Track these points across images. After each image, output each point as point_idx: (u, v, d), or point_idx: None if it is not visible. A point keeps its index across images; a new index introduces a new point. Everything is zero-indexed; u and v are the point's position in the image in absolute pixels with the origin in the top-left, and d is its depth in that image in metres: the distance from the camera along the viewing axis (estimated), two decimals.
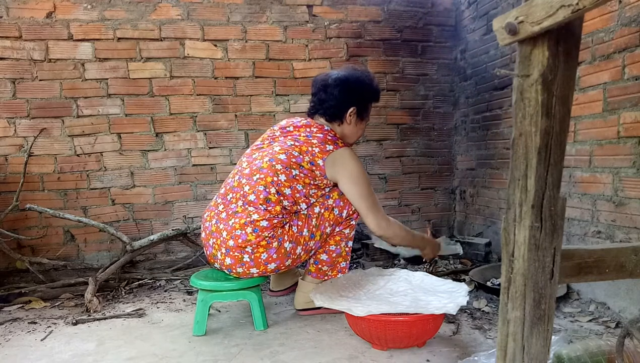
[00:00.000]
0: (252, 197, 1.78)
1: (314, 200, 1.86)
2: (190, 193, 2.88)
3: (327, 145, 1.85)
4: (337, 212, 1.88)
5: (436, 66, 3.15)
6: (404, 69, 3.10)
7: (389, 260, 2.74)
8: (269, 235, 1.74)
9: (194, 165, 2.87)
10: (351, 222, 1.94)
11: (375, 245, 2.66)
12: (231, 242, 1.75)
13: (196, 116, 2.84)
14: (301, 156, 1.82)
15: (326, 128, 1.92)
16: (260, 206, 1.75)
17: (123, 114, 2.75)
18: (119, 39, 2.71)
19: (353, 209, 1.91)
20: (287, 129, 1.95)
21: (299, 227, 1.80)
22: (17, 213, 2.59)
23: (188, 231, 2.59)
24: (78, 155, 2.71)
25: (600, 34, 1.84)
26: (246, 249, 1.74)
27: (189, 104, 2.83)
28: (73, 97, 2.68)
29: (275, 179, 1.77)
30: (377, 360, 1.53)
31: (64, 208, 2.68)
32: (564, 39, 0.78)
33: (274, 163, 1.80)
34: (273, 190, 1.76)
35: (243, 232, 1.73)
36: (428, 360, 1.51)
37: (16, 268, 2.56)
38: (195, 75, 2.82)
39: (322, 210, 1.85)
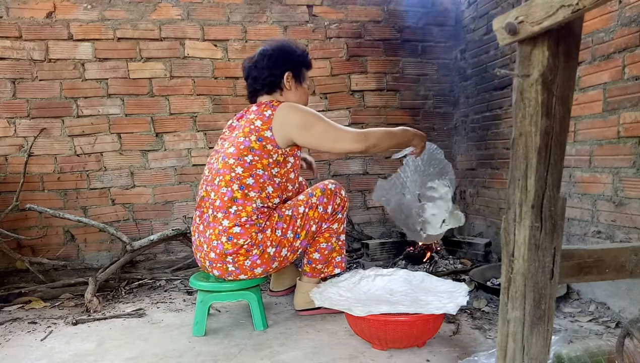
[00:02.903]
0: (218, 203, 1.74)
1: (279, 180, 1.80)
2: (190, 193, 2.88)
3: (264, 113, 1.80)
4: (322, 209, 1.86)
5: (436, 66, 3.15)
6: (404, 69, 3.10)
7: (389, 260, 2.74)
8: (246, 242, 1.71)
9: (194, 165, 2.87)
10: (338, 216, 1.92)
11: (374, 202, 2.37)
12: (212, 254, 1.74)
13: (196, 116, 2.84)
14: (247, 139, 1.76)
15: (264, 101, 1.87)
16: (229, 209, 1.72)
17: (123, 114, 2.75)
18: (119, 39, 2.71)
19: (337, 203, 1.90)
20: (232, 124, 1.96)
21: (283, 230, 1.77)
22: (17, 213, 2.59)
23: (188, 231, 2.59)
24: (78, 155, 2.71)
25: (600, 34, 1.84)
26: (227, 259, 1.73)
27: (189, 104, 2.83)
28: (73, 97, 2.68)
29: (233, 174, 1.74)
30: (377, 360, 1.53)
31: (64, 208, 2.68)
32: (564, 39, 0.78)
33: (226, 159, 1.77)
34: (236, 186, 1.73)
35: (219, 242, 1.72)
36: (428, 360, 1.51)
37: (16, 268, 2.56)
38: (195, 75, 2.82)
39: (307, 209, 1.83)
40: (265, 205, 1.77)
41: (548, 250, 0.83)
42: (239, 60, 2.87)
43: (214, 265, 1.75)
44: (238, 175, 1.73)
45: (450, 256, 2.82)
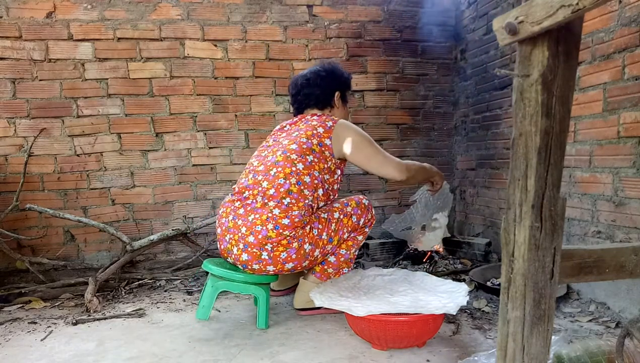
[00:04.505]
0: (272, 191, 1.79)
1: (328, 187, 1.92)
2: (190, 193, 2.88)
3: (327, 123, 1.96)
4: (355, 220, 1.93)
5: (436, 66, 3.15)
6: (404, 69, 3.10)
7: (389, 260, 2.74)
8: (290, 234, 1.75)
9: (194, 165, 2.87)
10: (365, 230, 2.00)
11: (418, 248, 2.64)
12: (251, 238, 1.75)
13: (196, 116, 2.84)
14: (309, 141, 1.89)
15: (322, 114, 2.07)
16: (282, 200, 1.77)
17: (123, 114, 2.75)
18: (119, 39, 2.71)
19: (368, 218, 1.98)
20: (285, 127, 2.07)
21: (319, 231, 1.83)
22: (17, 213, 2.59)
23: (188, 231, 2.59)
24: (78, 155, 2.71)
25: (600, 34, 1.84)
26: (266, 247, 1.75)
27: (189, 104, 2.83)
28: (73, 97, 2.68)
29: (293, 169, 1.82)
30: (377, 360, 1.53)
31: (64, 208, 2.68)
32: (564, 39, 0.78)
33: (288, 154, 1.85)
34: (294, 180, 1.80)
35: (264, 228, 1.74)
36: (428, 360, 1.51)
37: (16, 268, 2.56)
38: (195, 75, 2.82)
39: (342, 216, 1.90)
40: (313, 204, 1.85)
41: (548, 250, 0.83)
42: (239, 60, 2.87)
43: (248, 249, 1.76)
44: (298, 171, 1.82)
45: (450, 256, 2.82)
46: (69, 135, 2.68)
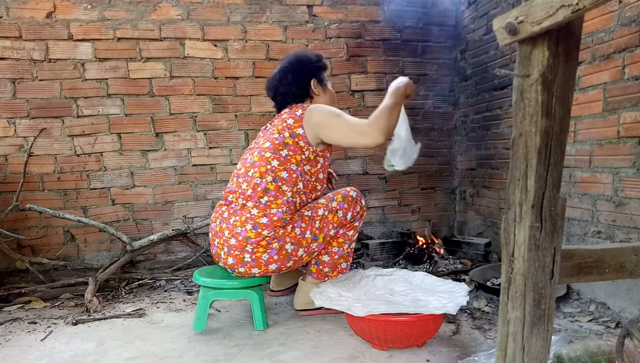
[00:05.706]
0: (249, 192, 1.79)
1: (309, 178, 1.86)
2: (190, 193, 2.88)
3: (296, 113, 1.89)
4: (342, 215, 1.89)
5: (436, 66, 3.14)
6: (404, 69, 3.10)
7: (389, 260, 2.74)
8: (269, 234, 1.74)
9: (194, 165, 2.87)
10: (355, 224, 1.96)
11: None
12: (232, 241, 1.76)
13: (196, 116, 2.84)
14: (281, 135, 1.84)
15: (295, 104, 1.98)
16: (260, 199, 1.76)
17: (123, 114, 2.75)
18: (119, 39, 2.71)
19: (357, 210, 1.93)
20: (265, 127, 2.04)
21: (302, 229, 1.80)
22: (17, 213, 2.59)
23: (188, 231, 2.59)
24: (78, 155, 2.71)
25: (600, 34, 1.84)
26: (246, 248, 1.74)
27: (189, 104, 2.83)
28: (73, 97, 2.68)
29: (268, 166, 1.80)
30: (377, 360, 1.53)
31: (64, 208, 2.68)
32: (564, 39, 0.78)
33: (262, 153, 1.84)
34: (270, 178, 1.78)
35: (243, 229, 1.74)
36: (428, 360, 1.51)
37: (16, 268, 2.56)
38: (195, 75, 2.82)
39: (326, 213, 1.86)
40: (295, 199, 1.82)
41: (548, 250, 0.83)
42: (239, 60, 2.87)
43: (232, 252, 1.76)
44: (273, 168, 1.80)
45: (450, 256, 2.82)
46: (69, 135, 2.68)
